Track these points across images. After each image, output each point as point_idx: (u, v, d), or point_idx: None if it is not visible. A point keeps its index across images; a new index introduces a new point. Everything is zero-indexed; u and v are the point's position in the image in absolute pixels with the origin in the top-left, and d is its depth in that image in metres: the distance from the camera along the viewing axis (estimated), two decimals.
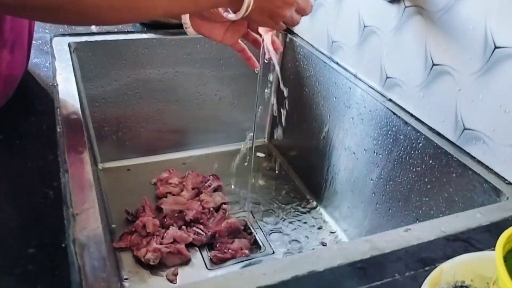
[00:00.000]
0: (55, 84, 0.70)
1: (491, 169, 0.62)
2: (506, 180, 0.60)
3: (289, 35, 1.05)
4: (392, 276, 0.43)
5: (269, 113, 1.17)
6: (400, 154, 0.75)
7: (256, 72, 0.68)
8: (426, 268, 0.44)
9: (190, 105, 1.07)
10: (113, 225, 0.88)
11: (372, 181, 0.82)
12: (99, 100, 0.97)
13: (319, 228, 0.95)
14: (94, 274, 0.40)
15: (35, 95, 0.66)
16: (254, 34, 0.63)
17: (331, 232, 0.94)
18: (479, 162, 0.63)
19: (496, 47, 0.58)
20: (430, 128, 0.71)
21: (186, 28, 0.60)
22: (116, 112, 1.00)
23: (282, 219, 0.96)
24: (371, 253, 0.46)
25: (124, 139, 1.05)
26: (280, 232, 0.93)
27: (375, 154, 0.81)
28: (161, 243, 0.82)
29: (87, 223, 0.46)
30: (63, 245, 0.43)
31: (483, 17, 0.59)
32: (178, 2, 0.46)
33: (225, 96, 1.09)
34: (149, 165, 1.08)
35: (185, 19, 0.59)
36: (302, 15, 0.56)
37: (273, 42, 0.65)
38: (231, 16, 0.53)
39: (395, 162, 0.76)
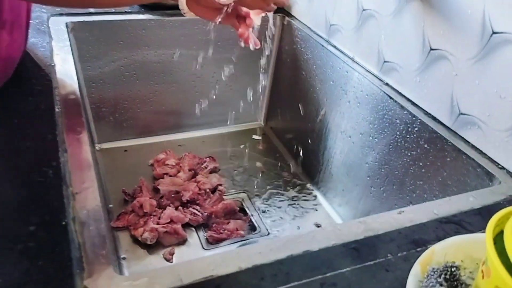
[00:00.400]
0: (52, 64, 0.70)
1: (485, 154, 0.63)
2: (499, 164, 0.61)
3: (287, 18, 1.05)
4: (384, 256, 0.44)
5: (265, 96, 1.17)
6: (396, 138, 0.76)
7: (255, 48, 0.67)
8: (418, 249, 0.45)
9: (187, 87, 1.07)
10: (111, 205, 0.89)
11: (367, 165, 0.83)
12: (96, 81, 0.97)
13: (314, 210, 0.96)
14: (94, 251, 0.41)
15: (33, 75, 0.66)
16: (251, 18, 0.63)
17: (325, 214, 0.95)
18: (473, 146, 0.64)
19: (493, 33, 0.59)
20: (426, 113, 0.71)
21: (184, 13, 0.60)
22: (113, 93, 1.00)
23: (278, 201, 0.97)
24: (365, 234, 0.47)
25: (121, 120, 1.05)
26: (275, 213, 0.94)
27: (370, 137, 0.82)
28: (158, 223, 0.83)
29: (86, 202, 0.46)
30: (63, 223, 0.44)
31: (481, 1, 0.60)
32: None
33: (222, 78, 1.09)
34: (146, 146, 1.08)
35: (182, 5, 0.59)
36: None
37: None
38: (223, 0, 0.53)
39: (391, 146, 0.77)
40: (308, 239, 0.45)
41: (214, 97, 1.10)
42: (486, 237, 0.36)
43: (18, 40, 0.64)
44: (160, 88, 1.05)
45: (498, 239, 0.37)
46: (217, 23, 0.60)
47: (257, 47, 0.64)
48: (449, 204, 0.53)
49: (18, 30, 0.63)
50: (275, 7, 0.57)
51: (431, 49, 0.69)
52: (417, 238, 0.47)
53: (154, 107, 1.07)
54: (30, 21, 0.72)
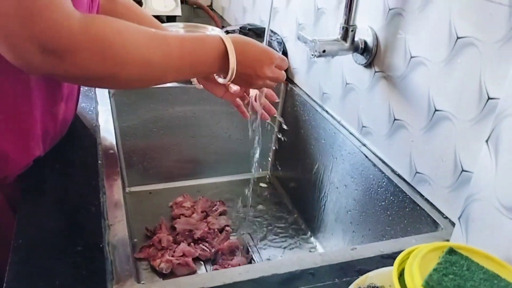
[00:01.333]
0: (97, 125, 0.90)
1: (434, 206, 0.77)
2: (443, 214, 0.76)
3: (290, 85, 1.24)
4: (332, 280, 0.59)
5: (271, 149, 1.35)
6: (370, 190, 0.91)
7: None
8: (359, 276, 0.60)
9: (204, 140, 1.27)
10: (135, 240, 1.07)
11: (349, 212, 0.98)
12: (130, 135, 1.17)
13: (309, 252, 1.10)
14: (121, 266, 0.58)
15: (82, 134, 0.86)
16: (248, 97, 0.82)
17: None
18: (425, 199, 0.79)
19: (436, 110, 0.75)
20: (392, 170, 0.87)
21: (193, 84, 0.80)
22: (143, 144, 1.20)
23: (277, 242, 1.12)
24: (322, 264, 0.62)
25: (148, 168, 1.24)
26: (274, 253, 1.09)
27: (352, 189, 0.97)
28: (173, 256, 0.99)
29: (118, 231, 0.64)
30: (101, 245, 0.61)
31: (427, 85, 0.77)
32: (182, 74, 0.65)
33: (234, 133, 1.28)
34: (167, 190, 1.26)
35: (194, 79, 0.79)
36: (282, 70, 0.74)
37: (267, 96, 0.83)
38: (221, 80, 0.71)
39: (367, 197, 0.92)
40: (277, 265, 0.61)
41: (227, 149, 1.29)
42: (393, 268, 0.51)
43: (72, 106, 0.84)
44: (181, 140, 1.24)
45: (402, 273, 0.52)
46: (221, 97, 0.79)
47: (267, 120, 0.82)
48: (394, 244, 0.68)
49: (72, 99, 0.83)
50: (263, 88, 0.74)
51: (395, 119, 0.85)
52: (361, 268, 0.62)
53: (176, 156, 1.26)
54: (81, 89, 0.93)
